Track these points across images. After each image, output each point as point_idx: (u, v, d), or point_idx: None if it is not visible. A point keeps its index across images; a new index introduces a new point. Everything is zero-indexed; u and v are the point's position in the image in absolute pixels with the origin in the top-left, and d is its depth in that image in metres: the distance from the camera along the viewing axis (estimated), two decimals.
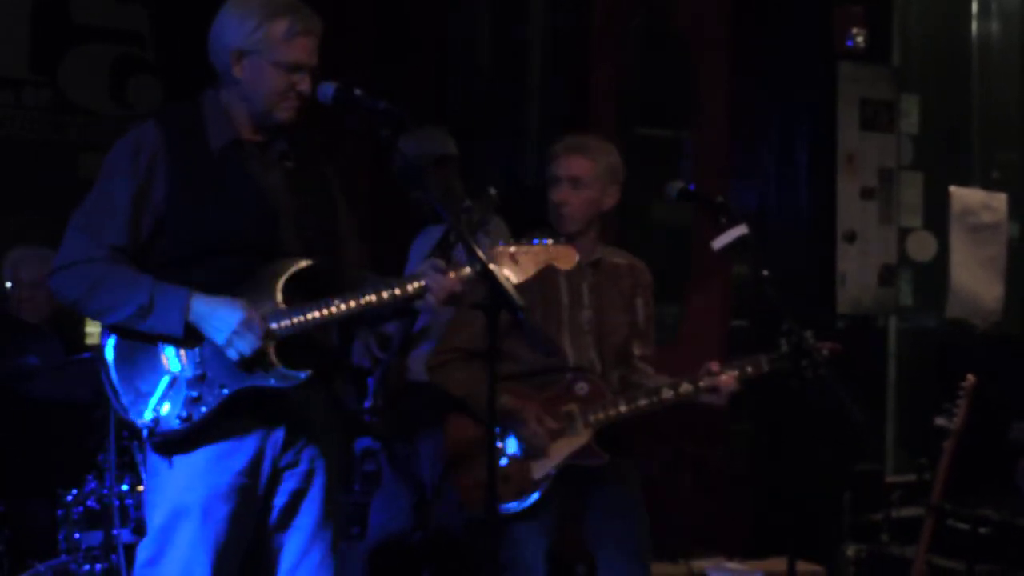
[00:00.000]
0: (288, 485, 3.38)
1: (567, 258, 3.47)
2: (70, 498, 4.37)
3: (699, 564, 5.49)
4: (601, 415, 4.10)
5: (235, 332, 3.18)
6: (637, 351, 4.35)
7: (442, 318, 4.43)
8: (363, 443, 5.67)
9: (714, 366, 4.11)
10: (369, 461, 5.67)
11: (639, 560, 4.19)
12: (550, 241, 3.46)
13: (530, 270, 3.41)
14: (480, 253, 3.27)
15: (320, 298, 3.30)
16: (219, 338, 3.19)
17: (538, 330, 3.92)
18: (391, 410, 4.90)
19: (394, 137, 3.34)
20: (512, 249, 3.40)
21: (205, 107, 3.38)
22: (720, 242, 4.03)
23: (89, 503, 4.34)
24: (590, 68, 6.80)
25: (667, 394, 4.12)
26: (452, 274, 3.35)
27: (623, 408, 4.12)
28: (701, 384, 4.10)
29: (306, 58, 3.32)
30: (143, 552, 3.29)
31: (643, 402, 4.13)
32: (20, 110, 6.54)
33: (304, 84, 3.32)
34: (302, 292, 3.32)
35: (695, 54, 6.81)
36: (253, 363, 3.22)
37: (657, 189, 4.17)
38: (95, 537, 4.29)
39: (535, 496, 4.01)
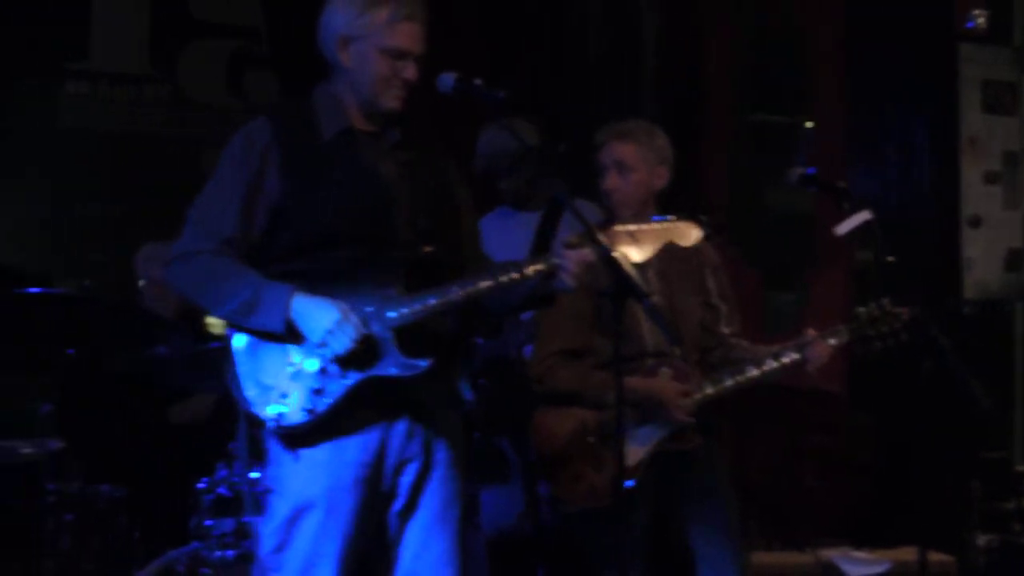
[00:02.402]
0: (410, 476, 3.44)
1: (688, 234, 3.45)
2: (201, 486, 4.47)
3: (826, 553, 5.46)
4: (688, 400, 4.13)
5: (329, 332, 3.25)
6: (726, 329, 4.37)
7: None
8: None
9: (810, 332, 4.13)
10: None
11: (732, 544, 4.23)
12: (672, 217, 3.46)
13: (650, 249, 3.40)
14: (604, 239, 3.31)
15: (438, 287, 3.35)
16: (314, 337, 3.26)
17: (663, 315, 3.95)
18: (498, 401, 4.97)
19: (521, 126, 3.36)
20: (632, 228, 3.40)
21: (317, 99, 3.46)
22: (844, 228, 4.05)
23: (220, 490, 4.42)
24: (704, 54, 6.81)
25: (752, 372, 4.16)
26: (580, 249, 3.36)
27: (710, 390, 4.15)
28: (784, 360, 4.12)
29: (410, 44, 3.37)
30: (269, 540, 3.38)
31: (729, 382, 4.16)
32: (141, 106, 6.71)
33: (409, 71, 3.38)
34: (421, 281, 3.38)
35: (811, 37, 6.78)
36: (347, 363, 3.28)
37: (773, 175, 4.18)
38: (226, 524, 4.37)
39: (629, 484, 4.03)
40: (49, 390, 4.79)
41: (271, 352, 3.33)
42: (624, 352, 4.00)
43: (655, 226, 3.41)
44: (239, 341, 3.35)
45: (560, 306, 3.69)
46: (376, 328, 3.30)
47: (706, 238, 4.19)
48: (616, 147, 4.23)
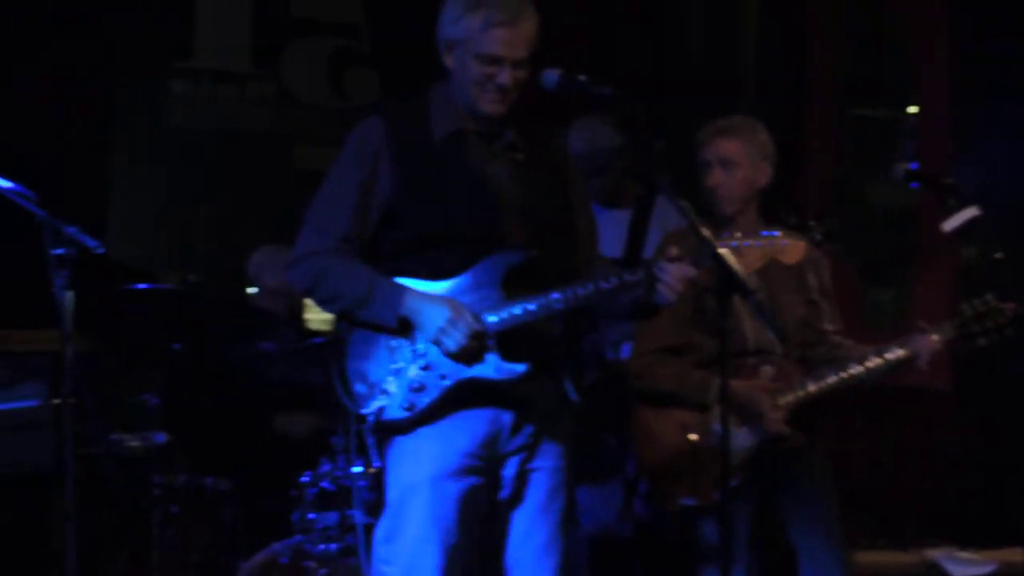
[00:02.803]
0: (513, 469, 3.45)
1: (793, 252, 3.41)
2: (305, 479, 4.51)
3: (930, 553, 5.39)
4: (791, 396, 4.09)
5: (441, 330, 3.28)
6: (828, 327, 4.32)
7: None
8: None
9: (920, 324, 4.08)
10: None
11: (835, 542, 4.18)
12: (779, 234, 3.42)
13: (754, 263, 3.38)
14: (710, 236, 3.29)
15: (543, 290, 3.35)
16: (428, 334, 3.31)
17: (771, 312, 3.92)
18: (597, 397, 4.97)
19: (622, 122, 3.36)
20: (736, 242, 3.36)
21: (432, 99, 3.48)
22: (951, 224, 3.99)
23: (323, 484, 4.46)
24: (806, 48, 6.74)
25: (855, 370, 4.11)
26: (682, 263, 3.35)
27: (812, 388, 4.10)
28: (888, 356, 4.07)
29: (503, 50, 3.34)
30: (381, 529, 3.43)
31: (832, 379, 4.11)
32: (244, 103, 6.80)
33: (502, 77, 3.35)
34: (526, 284, 3.37)
35: (914, 29, 6.69)
36: (460, 359, 3.31)
37: (875, 171, 4.12)
38: (329, 518, 4.41)
39: (733, 483, 3.94)
40: (156, 384, 4.88)
41: (375, 349, 3.38)
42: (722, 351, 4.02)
43: (762, 241, 3.37)
44: (348, 337, 3.41)
45: None
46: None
47: (816, 245, 4.18)
48: (720, 143, 4.20)
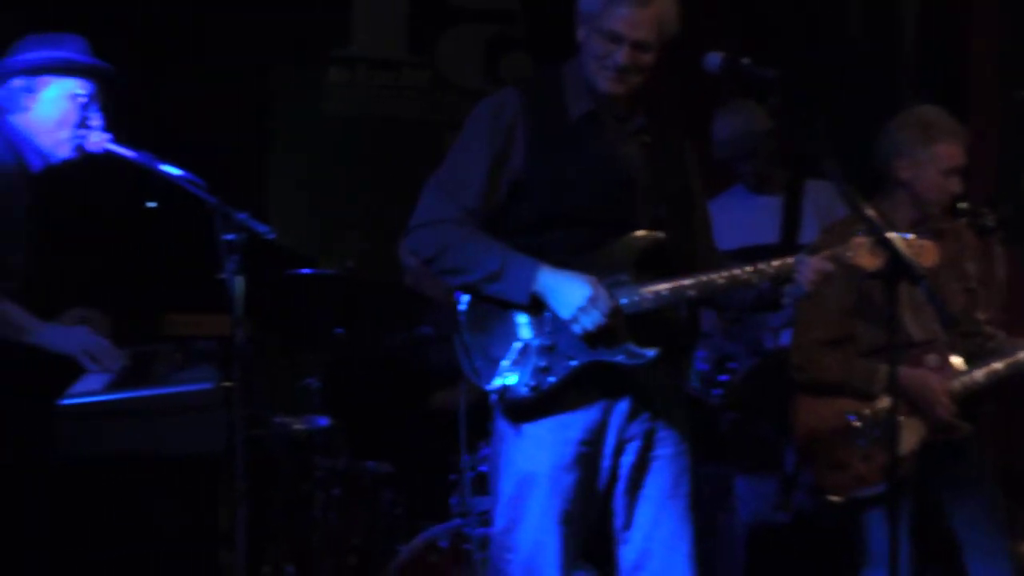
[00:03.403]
0: (631, 456, 3.44)
1: (929, 254, 3.39)
2: (463, 463, 4.54)
3: None
4: (959, 385, 4.00)
5: (581, 308, 3.25)
6: (982, 316, 4.24)
7: None
8: (731, 416, 5.70)
9: None
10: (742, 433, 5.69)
11: (1000, 532, 4.15)
12: (911, 236, 3.38)
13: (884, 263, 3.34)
14: (878, 220, 3.24)
15: (670, 275, 3.34)
16: (565, 312, 3.27)
17: (940, 298, 3.85)
18: (756, 385, 4.92)
19: (782, 106, 3.33)
20: (868, 241, 3.34)
21: (566, 76, 3.45)
22: None
23: (482, 468, 4.49)
24: (968, 30, 6.57)
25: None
26: (821, 257, 3.33)
27: (979, 377, 4.01)
28: None
29: (626, 29, 3.30)
30: (498, 520, 3.43)
31: (999, 366, 4.02)
32: (400, 91, 6.85)
33: (620, 56, 3.31)
34: (652, 267, 3.36)
35: None
36: (597, 339, 3.29)
37: None
38: (488, 502, 4.43)
39: (901, 473, 3.92)
40: (319, 368, 4.95)
41: (499, 325, 3.36)
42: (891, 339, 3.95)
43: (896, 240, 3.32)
44: (465, 311, 3.39)
45: (822, 294, 3.62)
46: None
47: (987, 233, 4.09)
48: (959, 149, 4.11)
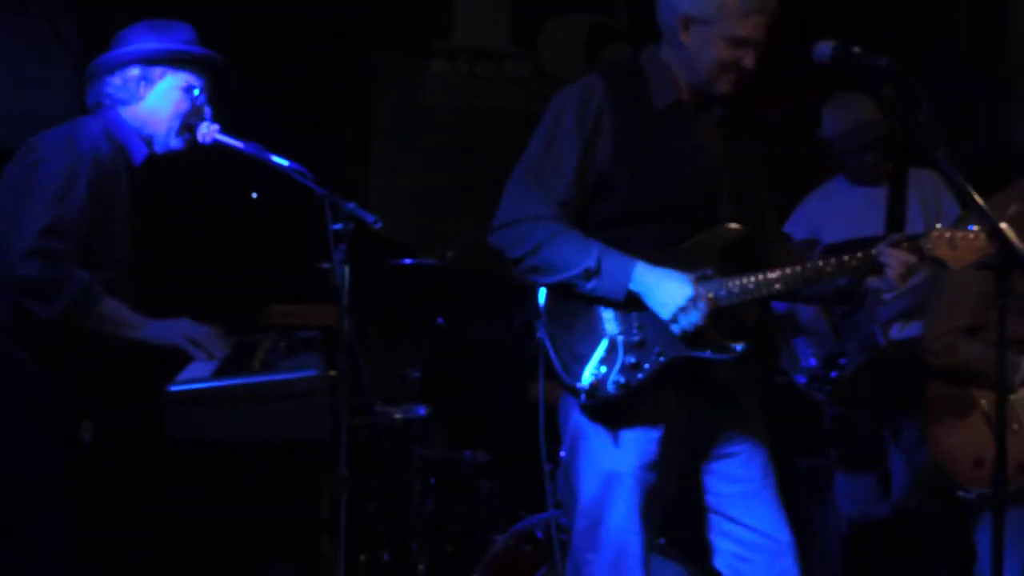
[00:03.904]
0: (717, 451, 3.44)
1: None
2: (562, 454, 4.53)
3: None
4: None
5: (682, 309, 3.23)
6: None
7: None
8: (834, 410, 5.65)
9: None
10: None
11: None
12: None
13: (967, 258, 3.30)
14: (989, 210, 3.19)
15: (751, 268, 3.32)
16: (664, 312, 3.24)
17: None
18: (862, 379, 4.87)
19: (896, 95, 3.28)
20: (948, 234, 3.30)
21: (647, 64, 3.42)
22: None
23: None
24: None
25: None
26: (904, 246, 3.30)
27: None
28: None
29: (756, 34, 3.31)
30: (580, 520, 3.39)
31: None
32: (501, 82, 6.86)
33: (749, 59, 3.32)
34: (734, 260, 3.35)
35: None
36: (693, 338, 3.26)
37: None
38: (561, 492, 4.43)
39: None
40: (418, 358, 4.97)
41: (583, 320, 3.33)
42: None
43: (971, 235, 3.29)
44: (546, 306, 3.36)
45: (966, 281, 3.58)
46: None
47: None
48: None
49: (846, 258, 3.33)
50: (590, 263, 3.25)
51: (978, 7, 6.85)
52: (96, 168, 3.58)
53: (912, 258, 3.28)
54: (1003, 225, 3.18)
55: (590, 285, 3.27)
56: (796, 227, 5.11)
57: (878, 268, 3.31)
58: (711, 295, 3.26)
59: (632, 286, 3.25)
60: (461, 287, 5.01)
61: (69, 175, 3.52)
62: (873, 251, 3.31)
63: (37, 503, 3.47)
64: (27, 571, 3.47)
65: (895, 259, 3.28)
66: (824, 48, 3.33)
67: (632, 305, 3.28)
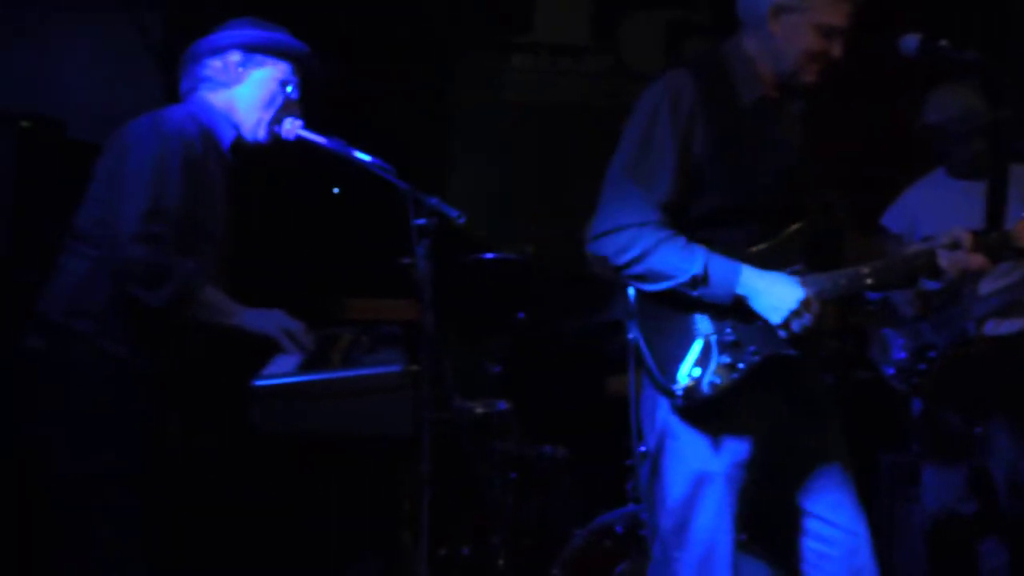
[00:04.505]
0: (802, 448, 3.41)
1: None
2: (642, 450, 4.52)
3: None
4: None
5: (794, 312, 3.20)
6: None
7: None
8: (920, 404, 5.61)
9: None
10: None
11: None
12: None
13: None
14: None
15: (833, 263, 3.31)
16: (775, 317, 3.22)
17: None
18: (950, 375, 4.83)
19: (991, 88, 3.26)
20: None
21: (731, 58, 3.38)
22: None
23: None
24: None
25: None
26: (970, 248, 3.29)
27: None
28: None
29: (844, 22, 3.29)
30: (668, 519, 3.37)
31: None
32: (582, 76, 6.86)
33: (837, 48, 3.30)
34: (815, 256, 3.33)
35: None
36: (800, 340, 3.24)
37: None
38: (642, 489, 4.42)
39: None
40: (499, 352, 4.99)
41: (674, 320, 3.31)
42: None
43: None
44: (637, 307, 3.34)
45: None
46: None
47: None
48: None
49: (910, 255, 3.33)
50: (697, 271, 3.22)
51: None
52: (186, 150, 3.58)
53: (967, 260, 3.28)
54: None
55: (697, 292, 3.25)
56: (894, 220, 5.05)
57: (936, 270, 3.32)
58: (821, 300, 3.25)
59: (740, 290, 3.23)
60: (541, 282, 5.02)
61: (161, 158, 3.50)
62: (931, 249, 3.31)
63: (115, 497, 3.49)
64: (99, 568, 3.50)
65: (947, 260, 3.29)
66: (911, 41, 3.30)
67: (724, 305, 3.26)
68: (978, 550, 5.15)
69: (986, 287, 4.73)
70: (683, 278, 3.23)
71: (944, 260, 3.28)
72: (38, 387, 3.49)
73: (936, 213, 4.90)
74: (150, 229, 3.43)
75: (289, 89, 3.78)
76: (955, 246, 3.30)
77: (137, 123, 3.61)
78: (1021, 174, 4.99)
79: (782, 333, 3.23)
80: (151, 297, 3.44)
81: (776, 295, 3.22)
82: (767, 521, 3.48)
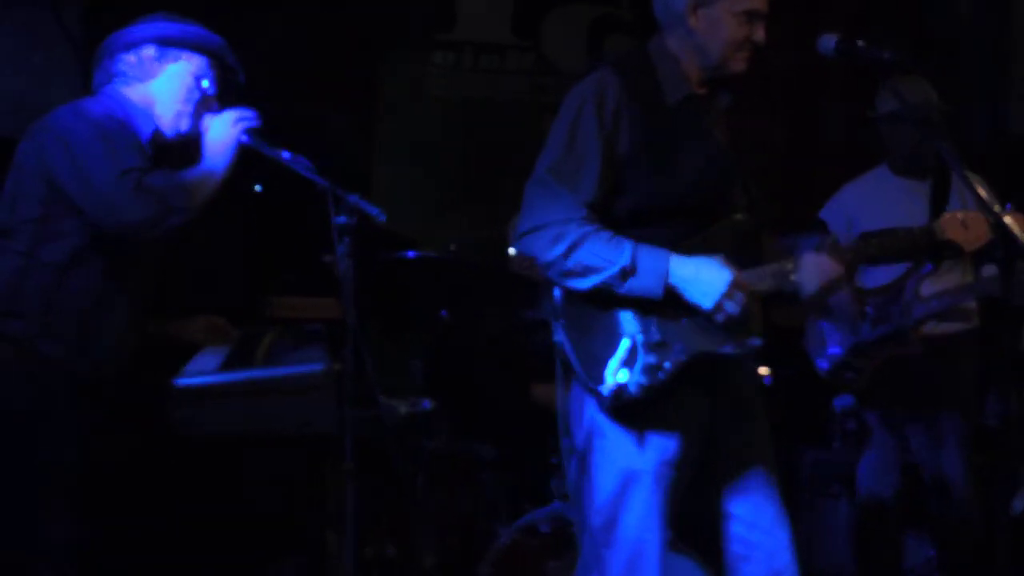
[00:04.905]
0: (728, 448, 3.42)
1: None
2: (565, 444, 4.55)
3: None
4: None
5: (726, 295, 3.20)
6: None
7: None
8: (843, 401, 5.65)
9: None
10: (849, 420, 5.65)
11: None
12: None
13: (980, 240, 3.31)
14: (991, 203, 3.17)
15: (758, 259, 3.33)
16: (706, 302, 3.22)
17: None
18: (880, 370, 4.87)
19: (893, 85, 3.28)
20: (960, 215, 3.32)
21: (655, 57, 3.38)
22: None
23: None
24: None
25: None
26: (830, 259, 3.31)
27: None
28: None
29: (762, 5, 3.31)
30: (597, 517, 3.37)
31: None
32: (504, 74, 6.86)
33: (760, 32, 3.32)
34: (741, 252, 3.33)
35: None
36: (736, 326, 3.25)
37: None
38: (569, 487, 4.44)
39: None
40: (422, 351, 4.98)
41: (600, 322, 3.29)
42: None
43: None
44: (563, 308, 3.32)
45: None
46: None
47: None
48: None
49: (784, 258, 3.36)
50: (626, 262, 3.20)
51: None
52: (116, 134, 3.56)
53: (825, 264, 3.30)
54: (1007, 219, 3.17)
55: (627, 285, 3.23)
56: (831, 215, 5.06)
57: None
58: (746, 282, 3.25)
59: (671, 279, 3.22)
60: (464, 279, 5.02)
61: (101, 135, 3.48)
62: (793, 256, 3.34)
63: (46, 496, 3.45)
64: (30, 565, 3.46)
65: (805, 265, 3.32)
66: (828, 41, 3.31)
67: (650, 304, 3.25)
68: (903, 544, 5.22)
69: (928, 289, 4.78)
70: (612, 270, 3.21)
71: (801, 263, 3.31)
72: None
73: (875, 209, 4.92)
74: (128, 183, 3.39)
75: (205, 84, 3.75)
76: (818, 249, 3.33)
77: (60, 115, 3.56)
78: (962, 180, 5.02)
79: (718, 317, 3.22)
80: (178, 219, 3.47)
81: (705, 280, 3.22)
82: (693, 520, 3.48)
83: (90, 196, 3.43)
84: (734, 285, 3.20)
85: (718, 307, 3.21)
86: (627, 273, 3.21)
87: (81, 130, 3.49)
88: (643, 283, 3.22)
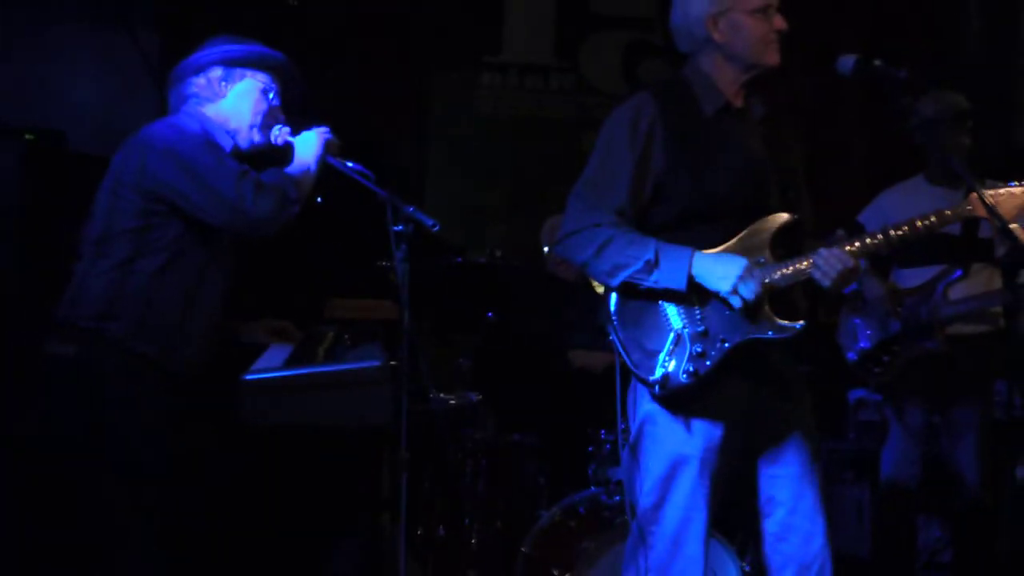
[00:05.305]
0: (773, 435, 3.41)
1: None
2: (602, 435, 4.56)
3: None
4: None
5: (740, 278, 3.21)
6: None
7: None
8: (857, 393, 5.62)
9: None
10: (865, 411, 5.61)
11: None
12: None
13: (1009, 215, 3.24)
14: (998, 211, 3.17)
15: (800, 254, 3.30)
16: (724, 286, 3.23)
17: None
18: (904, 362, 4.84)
19: (912, 104, 3.25)
20: (990, 194, 3.26)
21: (690, 77, 3.42)
22: None
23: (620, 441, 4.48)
24: None
25: None
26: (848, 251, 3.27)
27: None
28: None
29: None
30: (646, 498, 3.39)
31: None
32: (547, 94, 6.88)
33: (779, 20, 3.34)
34: (782, 249, 3.33)
35: None
36: (753, 311, 3.25)
37: None
38: (623, 471, 4.44)
39: None
40: (470, 349, 4.98)
41: (650, 318, 3.33)
42: None
43: (1014, 190, 3.27)
44: (615, 309, 3.36)
45: None
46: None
47: None
48: None
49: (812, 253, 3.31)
50: (649, 255, 3.25)
51: (991, 23, 6.79)
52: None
53: (843, 257, 3.25)
54: (1013, 225, 3.15)
55: (653, 277, 3.27)
56: (867, 219, 5.04)
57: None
58: (767, 280, 3.26)
59: (693, 271, 3.25)
60: (508, 284, 5.02)
61: (207, 147, 3.50)
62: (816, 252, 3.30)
63: (148, 495, 3.45)
64: (119, 556, 3.47)
65: (823, 258, 3.26)
66: (847, 61, 3.32)
67: (694, 297, 3.29)
68: (917, 525, 5.18)
69: (956, 293, 4.75)
70: (637, 264, 3.27)
71: (820, 258, 3.26)
72: (70, 392, 3.43)
73: (910, 215, 4.88)
74: (247, 185, 3.42)
75: (271, 96, 3.77)
76: (835, 242, 3.31)
77: (157, 132, 3.56)
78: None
79: (735, 301, 3.23)
80: (294, 209, 3.52)
81: (721, 267, 3.24)
82: (734, 502, 3.49)
83: (216, 202, 3.45)
84: (748, 271, 3.22)
85: (735, 290, 3.23)
86: (651, 266, 3.26)
87: (187, 143, 3.51)
88: (667, 274, 3.26)
